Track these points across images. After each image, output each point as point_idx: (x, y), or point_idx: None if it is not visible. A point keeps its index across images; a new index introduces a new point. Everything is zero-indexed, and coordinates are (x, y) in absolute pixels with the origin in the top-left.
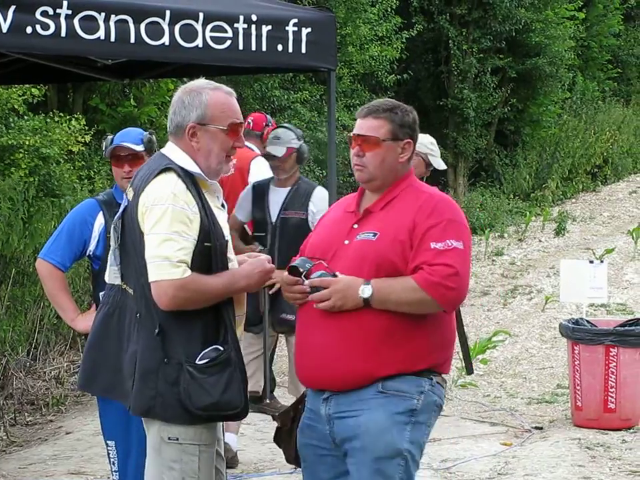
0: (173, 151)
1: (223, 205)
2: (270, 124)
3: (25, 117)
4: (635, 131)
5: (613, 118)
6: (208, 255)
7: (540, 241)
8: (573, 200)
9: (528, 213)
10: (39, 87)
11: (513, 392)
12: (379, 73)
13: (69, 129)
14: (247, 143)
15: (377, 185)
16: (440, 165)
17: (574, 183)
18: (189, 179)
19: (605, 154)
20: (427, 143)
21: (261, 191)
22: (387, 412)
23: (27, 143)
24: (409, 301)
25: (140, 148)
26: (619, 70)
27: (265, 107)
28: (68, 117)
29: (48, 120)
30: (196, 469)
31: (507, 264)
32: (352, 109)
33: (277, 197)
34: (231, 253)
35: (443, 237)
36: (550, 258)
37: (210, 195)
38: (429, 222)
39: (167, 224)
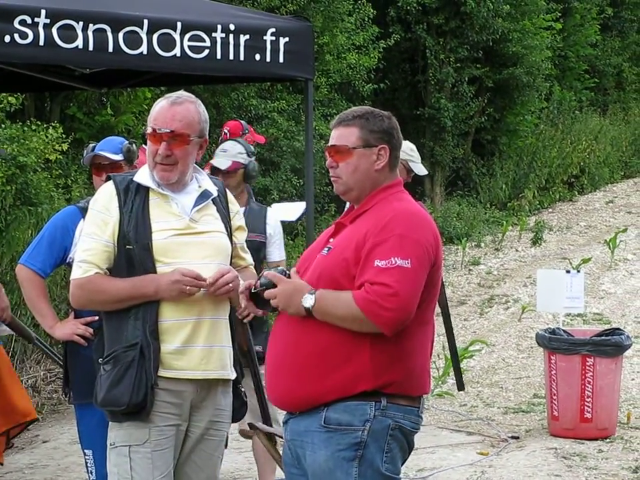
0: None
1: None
2: (247, 131)
3: (2, 126)
4: (611, 141)
5: (590, 128)
6: (130, 257)
7: (517, 250)
8: (550, 209)
9: (505, 223)
10: (16, 95)
11: (490, 401)
12: (356, 82)
13: (46, 137)
14: None
15: (355, 195)
16: (421, 170)
17: (551, 193)
18: (133, 188)
19: (582, 164)
20: (406, 149)
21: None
22: (329, 451)
23: None
24: (347, 318)
25: (118, 157)
26: (596, 80)
27: (242, 116)
28: (45, 126)
29: (25, 128)
30: (128, 469)
31: (483, 273)
32: (329, 118)
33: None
34: (170, 257)
35: (388, 254)
36: (527, 267)
37: (162, 200)
38: (378, 238)
39: (85, 227)
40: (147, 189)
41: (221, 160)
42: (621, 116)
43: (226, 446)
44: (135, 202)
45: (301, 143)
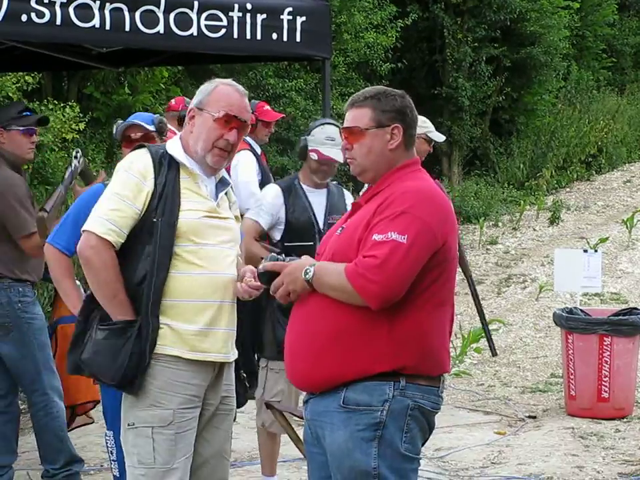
0: (171, 140)
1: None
2: (252, 110)
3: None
4: (629, 121)
5: (607, 107)
6: (152, 230)
7: (534, 230)
8: (567, 189)
9: (522, 202)
10: (33, 74)
11: (507, 381)
12: (374, 61)
13: (63, 116)
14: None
15: (370, 176)
16: (439, 137)
17: (568, 172)
18: (167, 162)
19: (600, 143)
20: (419, 122)
21: (294, 194)
22: (348, 431)
23: None
24: (338, 288)
25: (151, 128)
26: (614, 59)
27: (260, 95)
28: (62, 105)
29: (42, 107)
30: (150, 451)
31: (501, 253)
32: (346, 97)
33: (318, 200)
34: (200, 237)
35: (386, 228)
36: (544, 247)
37: (192, 180)
38: (383, 215)
39: (114, 186)
40: (178, 164)
41: (337, 152)
42: (638, 95)
43: (234, 419)
44: (167, 176)
45: None
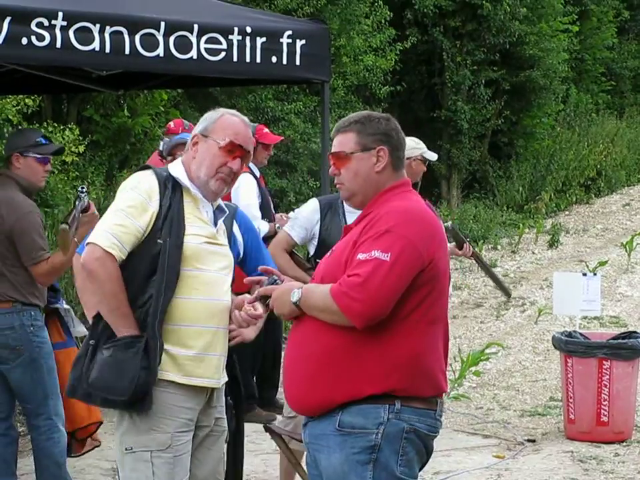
0: (174, 163)
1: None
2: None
3: (20, 127)
4: (628, 144)
5: (607, 130)
6: (158, 252)
7: (533, 253)
8: (567, 212)
9: (521, 225)
10: (32, 97)
11: (506, 404)
12: (373, 84)
13: (63, 139)
14: None
15: (359, 199)
16: (433, 156)
17: (567, 195)
18: (171, 185)
19: (599, 166)
20: (413, 145)
21: (333, 211)
22: (344, 454)
23: None
24: (325, 310)
25: None
26: (613, 82)
27: (259, 118)
28: (62, 128)
29: (42, 130)
30: (150, 475)
31: (500, 276)
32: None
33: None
34: (201, 263)
35: (370, 247)
36: (543, 270)
37: (194, 204)
38: (368, 234)
39: (120, 202)
40: (181, 188)
41: None
42: (637, 119)
43: (226, 441)
44: (172, 198)
45: (318, 145)
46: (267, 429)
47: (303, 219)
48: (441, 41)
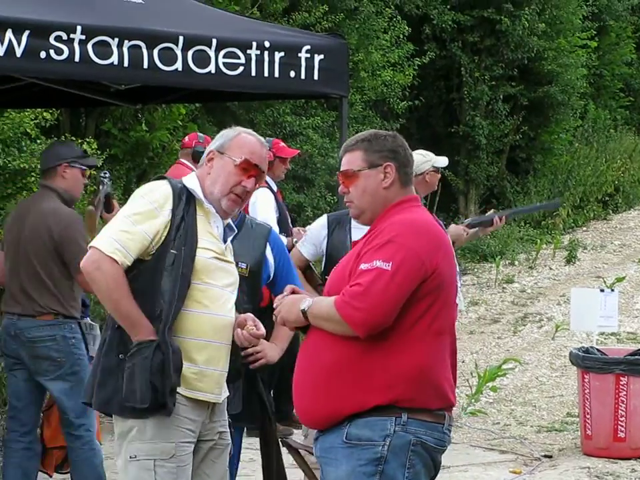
0: (188, 176)
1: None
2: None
3: (38, 141)
4: None
5: (624, 146)
6: (172, 261)
7: (550, 268)
8: (584, 228)
9: (539, 241)
10: (51, 110)
11: (523, 420)
12: (391, 99)
13: None
14: None
15: (368, 216)
16: (443, 162)
17: (585, 211)
18: (185, 197)
19: (617, 182)
20: (422, 160)
21: (340, 227)
22: (350, 466)
23: (39, 166)
24: (330, 320)
25: None
26: (631, 98)
27: (277, 133)
28: (80, 141)
29: None
30: None
31: (517, 291)
32: None
33: (360, 236)
34: (209, 278)
35: (372, 257)
36: (560, 286)
37: (205, 219)
38: (371, 245)
39: (128, 209)
40: (195, 201)
41: None
42: None
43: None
44: (186, 210)
45: (335, 160)
46: (284, 444)
47: (312, 235)
48: (459, 56)
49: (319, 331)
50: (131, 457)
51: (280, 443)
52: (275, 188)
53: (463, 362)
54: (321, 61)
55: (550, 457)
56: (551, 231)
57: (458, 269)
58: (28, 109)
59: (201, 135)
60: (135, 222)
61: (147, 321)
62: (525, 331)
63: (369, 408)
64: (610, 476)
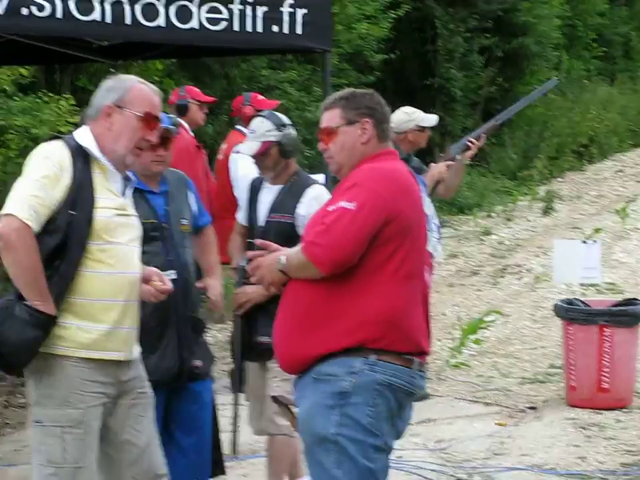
0: (79, 132)
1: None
2: (248, 102)
3: (15, 98)
4: (620, 110)
5: (599, 97)
6: (70, 223)
7: (528, 220)
8: (560, 179)
9: (515, 193)
10: (27, 67)
11: (506, 372)
12: (367, 52)
13: (59, 109)
14: (239, 127)
15: (346, 171)
16: (431, 120)
17: (560, 162)
18: (81, 156)
19: (591, 133)
20: (405, 119)
21: (255, 189)
22: (314, 398)
23: (17, 123)
24: (299, 264)
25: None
26: (604, 49)
27: (253, 87)
28: (57, 98)
29: (37, 100)
30: (60, 450)
31: (495, 243)
32: (339, 88)
33: (267, 197)
34: (111, 236)
35: (337, 200)
36: (538, 237)
37: (103, 176)
38: (338, 191)
39: (34, 172)
40: (90, 158)
41: (249, 144)
42: (629, 85)
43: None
44: (82, 170)
45: (312, 114)
46: (276, 400)
47: (242, 201)
48: (434, 8)
49: (296, 281)
50: (37, 422)
51: (272, 399)
52: None
53: (444, 315)
54: (304, 15)
55: (534, 408)
56: (527, 183)
57: (437, 221)
58: (4, 66)
59: (181, 87)
60: (44, 186)
61: (49, 294)
62: (504, 283)
63: (338, 350)
64: (595, 426)
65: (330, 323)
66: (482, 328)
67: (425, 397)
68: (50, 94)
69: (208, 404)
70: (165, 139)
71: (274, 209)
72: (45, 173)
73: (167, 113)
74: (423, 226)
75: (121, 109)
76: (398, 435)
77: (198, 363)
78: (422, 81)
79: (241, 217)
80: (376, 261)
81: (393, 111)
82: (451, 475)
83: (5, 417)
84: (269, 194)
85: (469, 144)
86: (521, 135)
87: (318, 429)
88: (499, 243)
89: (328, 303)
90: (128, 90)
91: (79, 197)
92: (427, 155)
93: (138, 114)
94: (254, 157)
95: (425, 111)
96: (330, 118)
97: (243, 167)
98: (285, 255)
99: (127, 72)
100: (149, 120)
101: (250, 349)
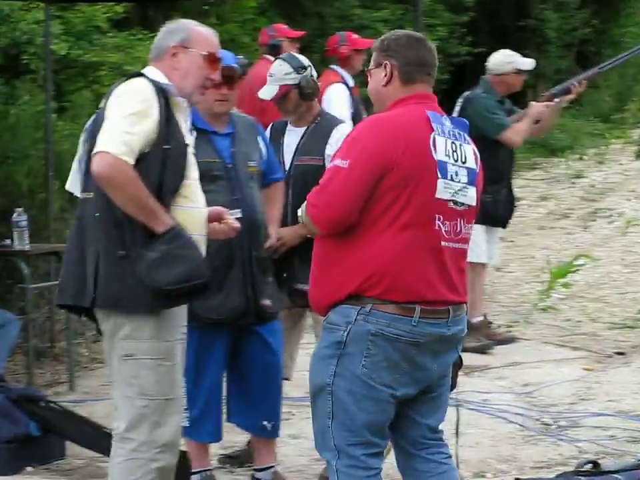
0: (149, 70)
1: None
2: (343, 42)
3: (109, 35)
4: None
5: None
6: (166, 157)
7: (620, 163)
8: None
9: (608, 135)
10: (121, 4)
11: (595, 316)
12: None
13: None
14: (333, 66)
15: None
16: (529, 64)
17: None
18: (161, 92)
19: None
20: (505, 61)
21: (277, 133)
22: (319, 347)
23: (110, 60)
24: (305, 221)
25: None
26: None
27: (346, 26)
28: (151, 35)
29: (131, 37)
30: (153, 382)
31: (587, 186)
32: (431, 28)
33: (291, 140)
34: (189, 172)
35: (335, 157)
36: (630, 181)
37: (178, 113)
38: (344, 141)
39: (126, 107)
40: (168, 96)
41: (268, 88)
42: None
43: None
44: (166, 106)
45: None
46: None
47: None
48: None
49: None
50: (127, 356)
51: None
52: (351, 83)
53: (533, 257)
54: None
55: (623, 353)
56: (621, 125)
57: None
58: (99, 3)
59: (269, 27)
60: (134, 122)
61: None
62: (595, 227)
63: (343, 297)
64: None
65: (335, 271)
66: (571, 272)
67: (511, 339)
68: (144, 31)
69: (278, 349)
70: (229, 78)
71: (302, 151)
72: (133, 110)
73: (260, 53)
74: (431, 174)
75: (186, 48)
76: (419, 383)
77: (266, 302)
78: (515, 21)
79: None
80: (375, 212)
81: (488, 52)
82: (536, 420)
83: (94, 351)
84: (292, 136)
85: (572, 87)
86: (615, 77)
87: (318, 378)
88: (590, 186)
89: (333, 252)
90: (190, 31)
91: (170, 132)
92: (519, 96)
93: (203, 53)
94: (273, 100)
95: (519, 53)
96: (372, 60)
97: (336, 108)
98: (302, 208)
99: (220, 10)
100: (212, 59)
101: (291, 296)
